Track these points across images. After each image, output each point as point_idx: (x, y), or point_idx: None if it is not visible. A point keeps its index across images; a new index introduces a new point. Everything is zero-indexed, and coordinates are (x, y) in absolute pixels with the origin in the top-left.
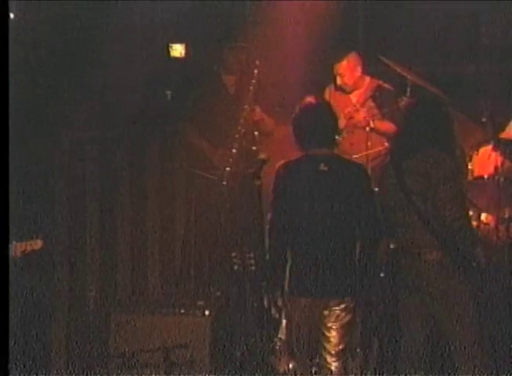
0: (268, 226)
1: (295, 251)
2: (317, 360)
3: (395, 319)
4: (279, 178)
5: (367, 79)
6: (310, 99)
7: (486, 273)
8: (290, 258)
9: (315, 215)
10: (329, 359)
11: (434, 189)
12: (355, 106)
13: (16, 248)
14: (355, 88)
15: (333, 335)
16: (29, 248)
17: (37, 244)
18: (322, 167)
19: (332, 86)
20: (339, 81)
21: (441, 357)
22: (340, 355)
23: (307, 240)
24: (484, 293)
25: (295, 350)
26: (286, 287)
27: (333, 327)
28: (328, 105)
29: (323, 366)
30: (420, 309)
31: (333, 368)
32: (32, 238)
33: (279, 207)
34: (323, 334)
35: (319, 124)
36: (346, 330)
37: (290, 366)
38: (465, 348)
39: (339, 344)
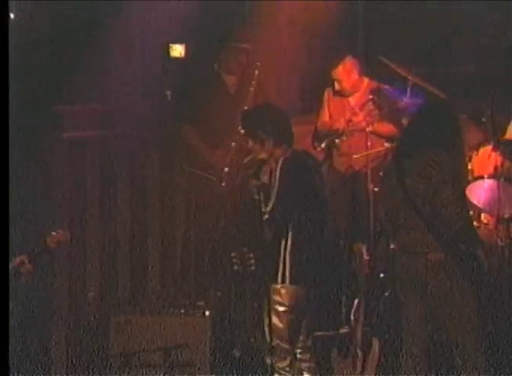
0: None
1: None
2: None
3: (396, 320)
4: None
5: (365, 81)
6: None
7: (487, 273)
8: None
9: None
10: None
11: (434, 189)
12: (353, 109)
13: (51, 239)
14: (353, 91)
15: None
16: (62, 239)
17: (67, 235)
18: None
19: (330, 90)
20: (337, 86)
21: (442, 357)
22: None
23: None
24: (485, 293)
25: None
26: None
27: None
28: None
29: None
30: (421, 309)
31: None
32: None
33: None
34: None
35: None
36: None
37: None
38: (466, 347)
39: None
